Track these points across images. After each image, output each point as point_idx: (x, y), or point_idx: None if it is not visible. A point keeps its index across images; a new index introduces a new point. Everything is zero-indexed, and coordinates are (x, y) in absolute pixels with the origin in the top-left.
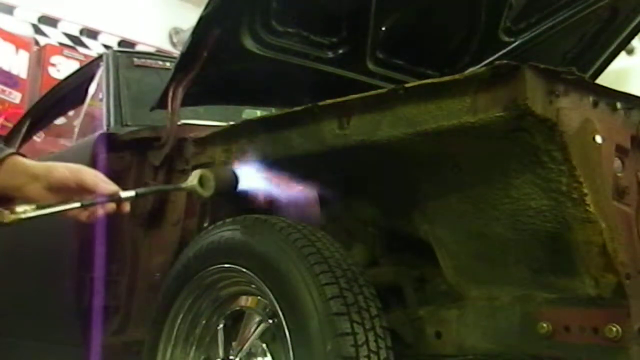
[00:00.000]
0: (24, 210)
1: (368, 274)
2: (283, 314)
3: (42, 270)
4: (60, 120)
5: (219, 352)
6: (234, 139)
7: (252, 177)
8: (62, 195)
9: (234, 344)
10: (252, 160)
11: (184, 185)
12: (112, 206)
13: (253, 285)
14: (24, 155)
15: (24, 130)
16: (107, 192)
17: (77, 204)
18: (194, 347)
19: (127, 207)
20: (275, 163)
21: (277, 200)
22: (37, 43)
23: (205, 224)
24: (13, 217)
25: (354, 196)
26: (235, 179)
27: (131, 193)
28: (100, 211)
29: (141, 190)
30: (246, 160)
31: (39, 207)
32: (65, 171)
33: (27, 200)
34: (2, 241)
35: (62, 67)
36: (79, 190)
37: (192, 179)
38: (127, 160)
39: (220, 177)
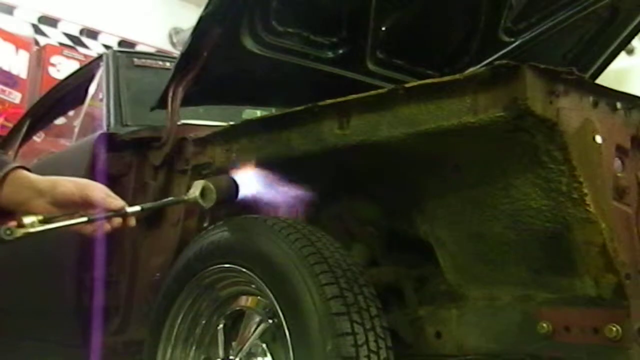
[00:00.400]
0: (32, 223)
1: (368, 274)
2: (283, 314)
3: (43, 271)
4: (60, 120)
5: (219, 352)
6: (234, 139)
7: (252, 184)
8: (66, 209)
9: (234, 344)
10: (252, 165)
11: (186, 197)
12: (118, 221)
13: (253, 285)
14: (27, 169)
15: (24, 130)
16: (114, 207)
17: (85, 219)
18: (194, 347)
19: (132, 221)
20: (274, 163)
21: (272, 202)
22: (37, 43)
23: (205, 224)
24: (23, 231)
25: (354, 196)
26: (235, 188)
27: (137, 208)
28: (107, 226)
29: (147, 205)
30: (246, 164)
31: (45, 219)
32: (71, 186)
33: (31, 215)
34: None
35: (62, 67)
36: (85, 204)
37: (194, 191)
38: (127, 160)
39: (221, 188)
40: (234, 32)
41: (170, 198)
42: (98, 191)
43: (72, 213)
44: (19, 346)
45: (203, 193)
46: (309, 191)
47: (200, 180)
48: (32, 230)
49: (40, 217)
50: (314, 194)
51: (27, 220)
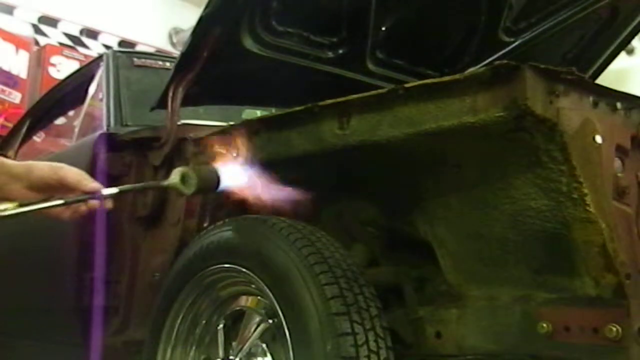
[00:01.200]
0: (5, 209)
1: (368, 274)
2: (283, 314)
3: (42, 270)
4: (60, 120)
5: (219, 352)
6: (234, 139)
7: (237, 177)
8: (44, 194)
9: (234, 344)
10: (241, 160)
11: (165, 182)
12: (95, 203)
13: (253, 285)
14: (4, 155)
15: (24, 130)
16: (90, 189)
17: (60, 201)
18: (194, 347)
19: (109, 203)
20: (274, 163)
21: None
22: (37, 43)
23: (205, 224)
24: None
25: (354, 196)
26: (217, 179)
27: (114, 190)
28: (83, 208)
29: (124, 187)
30: (238, 160)
31: (21, 205)
32: (46, 169)
33: (8, 200)
34: (1, 241)
35: (62, 67)
36: (61, 188)
37: (174, 177)
38: (127, 160)
39: (203, 176)
40: (234, 32)
41: (150, 182)
42: (73, 173)
43: (49, 197)
44: (19, 346)
45: (183, 179)
46: (308, 191)
47: (180, 167)
48: (7, 213)
49: (17, 204)
50: (313, 194)
51: (2, 206)
